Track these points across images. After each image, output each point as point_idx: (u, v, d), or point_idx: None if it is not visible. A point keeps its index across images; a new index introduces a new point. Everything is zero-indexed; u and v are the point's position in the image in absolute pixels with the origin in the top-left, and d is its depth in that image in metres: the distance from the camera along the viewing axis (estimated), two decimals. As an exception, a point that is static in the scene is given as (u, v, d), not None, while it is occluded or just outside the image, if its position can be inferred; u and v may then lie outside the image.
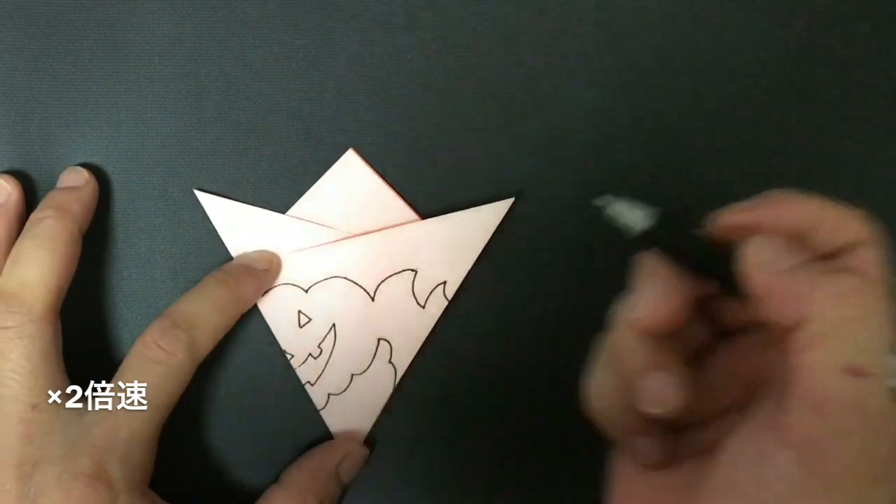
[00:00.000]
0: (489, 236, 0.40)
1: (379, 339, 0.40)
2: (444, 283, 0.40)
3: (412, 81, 0.40)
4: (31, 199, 0.39)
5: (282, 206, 0.40)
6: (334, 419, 0.40)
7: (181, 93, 0.39)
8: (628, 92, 0.40)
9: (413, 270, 0.40)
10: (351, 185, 0.40)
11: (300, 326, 0.40)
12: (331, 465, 0.39)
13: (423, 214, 0.40)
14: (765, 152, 0.40)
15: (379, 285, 0.40)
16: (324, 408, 0.40)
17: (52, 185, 0.38)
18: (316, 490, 0.38)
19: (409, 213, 0.40)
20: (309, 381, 0.40)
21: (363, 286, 0.40)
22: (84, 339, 0.39)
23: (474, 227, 0.40)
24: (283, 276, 0.40)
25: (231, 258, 0.39)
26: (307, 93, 0.39)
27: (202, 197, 0.39)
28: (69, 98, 0.39)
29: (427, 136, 0.40)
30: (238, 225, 0.39)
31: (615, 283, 0.29)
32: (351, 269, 0.40)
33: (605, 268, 0.39)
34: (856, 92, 0.40)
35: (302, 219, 0.40)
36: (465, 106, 0.40)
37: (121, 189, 0.39)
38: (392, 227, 0.40)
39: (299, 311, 0.40)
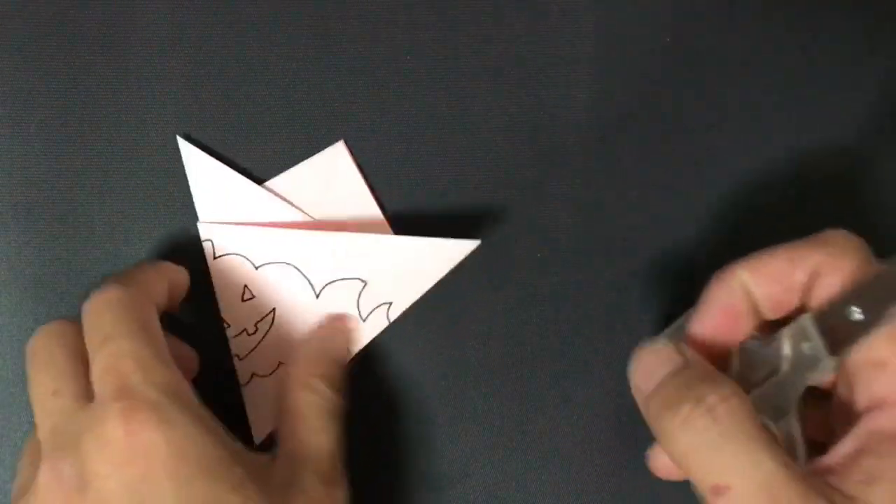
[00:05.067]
0: (446, 271, 0.37)
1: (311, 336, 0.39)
2: (390, 304, 0.38)
3: (412, 82, 0.39)
4: (30, 199, 0.39)
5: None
6: (253, 399, 0.40)
7: (181, 93, 0.38)
8: (630, 91, 0.39)
9: (363, 281, 0.38)
10: (332, 176, 0.38)
11: (243, 300, 0.39)
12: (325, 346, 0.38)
13: (394, 220, 0.38)
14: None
15: (326, 285, 0.38)
16: (246, 384, 0.40)
17: (51, 185, 0.39)
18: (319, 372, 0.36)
19: (379, 219, 0.38)
20: (238, 355, 0.40)
21: (311, 281, 0.38)
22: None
23: (434, 258, 0.37)
24: (240, 246, 0.39)
25: (195, 216, 0.39)
26: (308, 93, 0.39)
27: (184, 146, 0.39)
28: (69, 98, 0.39)
29: (419, 138, 0.39)
30: (212, 183, 0.39)
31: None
32: (304, 261, 0.38)
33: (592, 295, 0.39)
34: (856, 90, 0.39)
35: (275, 193, 0.38)
36: (465, 109, 0.39)
37: (120, 189, 0.39)
38: (355, 231, 0.38)
39: (245, 286, 0.39)
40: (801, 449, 0.28)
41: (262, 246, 0.39)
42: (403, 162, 0.39)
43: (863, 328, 0.26)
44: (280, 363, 0.39)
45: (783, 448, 0.27)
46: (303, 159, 0.39)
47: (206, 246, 0.39)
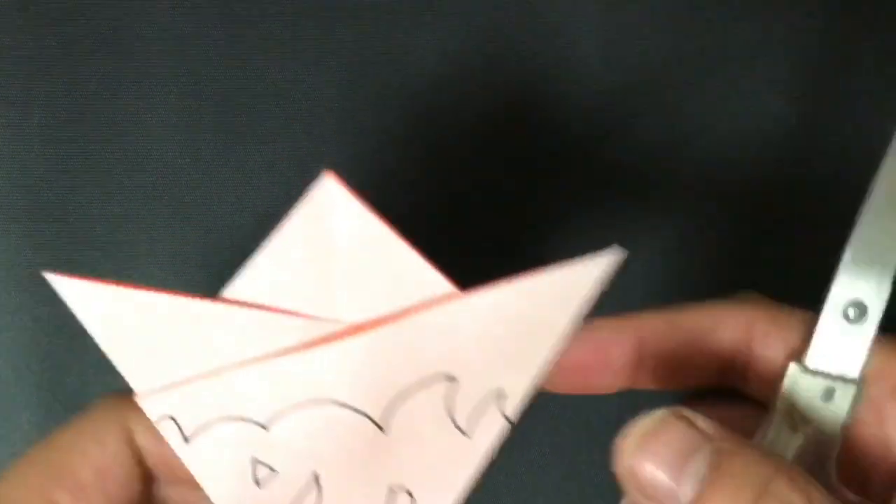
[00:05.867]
0: (576, 313, 0.23)
1: (392, 491, 0.24)
2: (499, 391, 0.23)
3: (415, 84, 0.38)
4: (30, 199, 0.38)
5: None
6: None
7: (181, 93, 0.38)
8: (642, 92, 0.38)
9: (449, 378, 0.23)
10: (334, 235, 0.22)
11: (257, 485, 0.23)
12: None
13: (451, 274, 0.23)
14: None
15: (392, 407, 0.23)
16: None
17: (51, 185, 0.38)
18: None
19: (439, 281, 0.23)
20: (272, 562, 0.24)
21: (366, 412, 0.23)
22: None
23: (552, 300, 0.23)
24: (223, 407, 0.22)
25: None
26: (308, 93, 0.38)
27: (67, 290, 0.21)
28: (69, 98, 0.38)
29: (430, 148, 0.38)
30: (132, 328, 0.21)
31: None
32: (344, 387, 0.23)
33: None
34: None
35: (247, 304, 0.22)
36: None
37: (120, 189, 0.38)
38: (410, 308, 0.22)
39: (255, 461, 0.23)
40: None
41: (263, 391, 0.22)
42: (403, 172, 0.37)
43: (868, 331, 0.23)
44: (353, 550, 0.24)
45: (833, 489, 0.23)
46: (303, 159, 0.35)
47: (166, 429, 0.22)
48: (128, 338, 0.21)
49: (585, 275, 0.23)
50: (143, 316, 0.21)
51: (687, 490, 0.21)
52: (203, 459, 0.23)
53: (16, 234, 0.38)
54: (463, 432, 0.24)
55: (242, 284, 0.22)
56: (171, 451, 0.24)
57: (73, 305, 0.21)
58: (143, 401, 0.22)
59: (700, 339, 0.26)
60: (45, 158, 0.38)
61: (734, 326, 0.26)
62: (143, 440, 0.25)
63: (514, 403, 0.24)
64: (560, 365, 0.24)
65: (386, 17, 0.38)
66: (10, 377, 0.38)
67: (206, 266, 0.37)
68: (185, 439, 0.22)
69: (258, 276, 0.22)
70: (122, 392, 0.25)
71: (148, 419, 0.24)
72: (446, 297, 0.22)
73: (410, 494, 0.24)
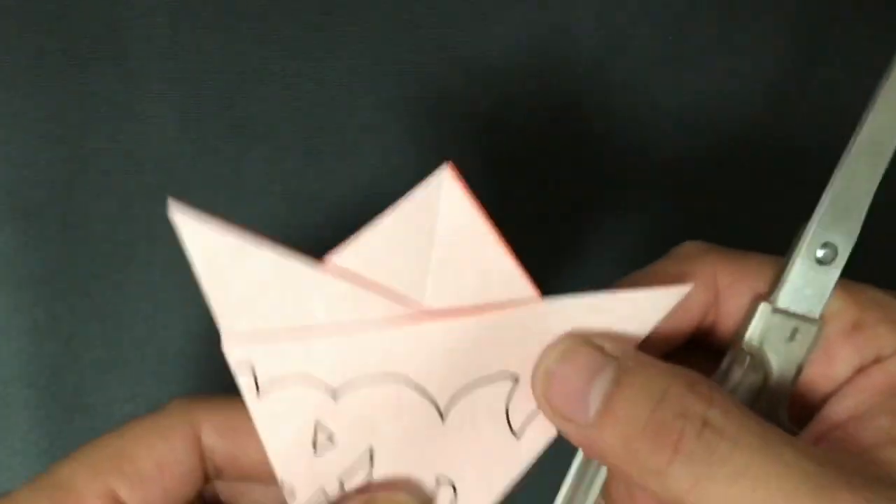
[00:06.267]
0: (642, 335, 0.24)
1: (438, 481, 0.25)
2: (559, 403, 0.25)
3: (418, 83, 0.38)
4: (30, 199, 0.38)
5: (288, 212, 0.38)
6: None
7: (181, 93, 0.38)
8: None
9: (513, 378, 0.24)
10: (440, 226, 0.23)
11: (314, 449, 0.24)
12: None
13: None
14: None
15: (456, 398, 0.24)
16: (331, 572, 0.25)
17: (51, 185, 0.38)
18: None
19: (524, 286, 0.24)
20: (313, 532, 0.24)
21: (432, 397, 0.24)
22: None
23: (626, 319, 0.24)
24: (304, 368, 0.23)
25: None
26: (309, 93, 0.38)
27: (183, 223, 0.22)
28: (69, 98, 0.38)
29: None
30: (238, 277, 0.22)
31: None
32: (417, 370, 0.24)
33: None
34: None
35: (346, 274, 0.23)
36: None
37: (120, 189, 0.38)
38: (492, 305, 0.24)
39: (317, 426, 0.24)
40: None
41: (340, 359, 0.23)
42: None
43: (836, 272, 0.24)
44: (388, 530, 0.25)
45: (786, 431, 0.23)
46: (305, 160, 0.35)
47: (244, 377, 0.23)
48: (227, 280, 0.22)
49: (659, 302, 0.24)
50: (248, 262, 0.22)
51: (594, 404, 0.23)
52: (270, 413, 0.23)
53: (15, 235, 0.38)
54: (514, 434, 0.25)
55: (346, 254, 0.23)
56: (237, 449, 0.24)
57: (184, 236, 0.21)
58: (227, 343, 0.23)
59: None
60: (45, 158, 0.38)
61: (700, 285, 0.26)
62: (209, 439, 0.25)
63: (568, 415, 0.25)
64: None
65: (390, 15, 0.38)
66: (9, 377, 0.38)
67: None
68: (258, 390, 0.23)
69: (362, 250, 0.23)
70: (193, 395, 0.25)
71: (216, 418, 0.25)
72: (528, 301, 0.24)
73: (454, 487, 0.25)
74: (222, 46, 0.38)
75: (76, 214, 0.38)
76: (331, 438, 0.24)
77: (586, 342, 0.24)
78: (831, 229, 0.24)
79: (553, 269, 0.38)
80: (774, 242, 0.26)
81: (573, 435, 0.24)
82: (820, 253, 0.24)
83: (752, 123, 0.39)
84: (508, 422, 0.25)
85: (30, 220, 0.38)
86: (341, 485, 0.24)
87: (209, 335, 0.33)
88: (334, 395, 0.23)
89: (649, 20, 0.39)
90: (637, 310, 0.24)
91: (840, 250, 0.24)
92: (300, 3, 0.38)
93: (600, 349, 0.23)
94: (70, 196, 0.38)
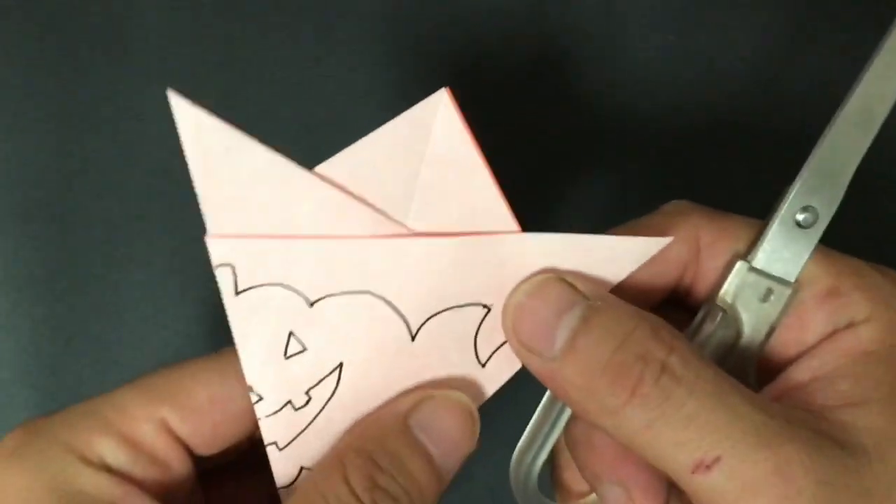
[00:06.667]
0: (617, 280, 0.25)
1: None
2: (526, 336, 0.25)
3: (415, 81, 0.38)
4: (30, 199, 0.38)
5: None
6: (301, 507, 0.25)
7: (181, 93, 0.34)
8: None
9: (485, 307, 0.25)
10: (420, 148, 0.24)
11: (286, 357, 0.24)
12: (390, 416, 0.24)
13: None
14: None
15: (428, 320, 0.25)
16: (289, 485, 0.25)
17: (51, 185, 0.38)
18: (360, 446, 0.24)
19: (506, 218, 0.24)
20: (276, 443, 0.25)
21: (404, 316, 0.24)
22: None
23: (600, 263, 0.25)
24: (283, 270, 0.23)
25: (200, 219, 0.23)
26: (309, 92, 0.38)
27: (179, 106, 0.22)
28: (69, 98, 0.38)
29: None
30: (229, 170, 0.22)
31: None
32: (392, 287, 0.24)
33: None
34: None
35: (334, 183, 0.23)
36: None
37: (120, 189, 0.38)
38: (472, 231, 0.24)
39: (291, 334, 0.24)
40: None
41: (319, 268, 0.24)
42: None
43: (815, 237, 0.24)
44: (347, 446, 0.25)
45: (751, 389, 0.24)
46: (306, 160, 0.26)
47: (223, 275, 0.23)
48: (218, 172, 0.22)
49: (637, 250, 0.25)
50: (242, 156, 0.22)
51: (560, 340, 0.23)
52: (245, 315, 0.23)
53: (13, 234, 0.38)
54: (480, 362, 0.25)
55: (335, 164, 0.23)
56: None
57: (180, 122, 0.22)
58: (211, 241, 0.23)
59: (654, 260, 0.25)
60: (44, 158, 0.38)
61: (681, 241, 0.26)
62: None
63: (533, 349, 0.25)
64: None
65: (390, 14, 0.38)
66: (8, 377, 0.38)
67: (204, 265, 0.36)
68: (237, 290, 0.23)
69: (351, 161, 0.23)
70: None
71: None
72: (508, 232, 0.24)
73: (417, 408, 0.25)
74: (223, 46, 0.38)
75: (76, 214, 0.38)
76: (303, 347, 0.24)
77: (559, 279, 0.24)
78: (813, 193, 0.24)
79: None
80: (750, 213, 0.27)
81: (537, 368, 0.24)
82: (800, 216, 0.25)
83: (739, 93, 0.39)
84: (476, 350, 0.25)
85: (30, 220, 0.38)
86: (308, 398, 0.24)
87: (209, 335, 0.37)
88: (310, 304, 0.24)
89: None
90: (615, 255, 0.25)
91: (821, 215, 0.24)
92: (300, 3, 0.38)
93: (572, 287, 0.24)
94: (70, 196, 0.38)
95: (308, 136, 0.37)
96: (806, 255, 0.25)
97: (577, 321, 0.23)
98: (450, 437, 0.24)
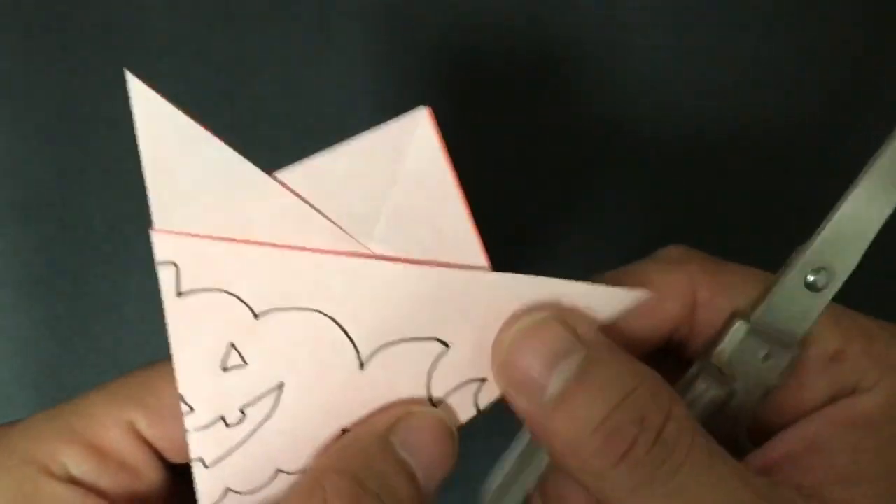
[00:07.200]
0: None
1: (345, 432, 0.23)
2: (483, 380, 0.24)
3: (413, 79, 0.38)
4: (30, 199, 0.38)
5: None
6: (224, 532, 0.23)
7: (181, 93, 0.34)
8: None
9: (443, 344, 0.23)
10: (402, 172, 0.22)
11: (223, 369, 0.23)
12: (370, 435, 0.23)
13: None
14: None
15: (380, 349, 0.23)
16: (212, 506, 0.23)
17: (51, 185, 0.38)
18: (342, 468, 0.22)
19: (476, 252, 0.23)
20: (202, 459, 0.23)
21: (355, 342, 0.23)
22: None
23: (573, 312, 0.23)
24: (228, 276, 0.22)
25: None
26: (308, 91, 0.38)
27: (136, 91, 0.21)
28: (68, 97, 0.38)
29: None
30: (184, 164, 0.21)
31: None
32: (345, 309, 0.23)
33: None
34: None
35: (294, 192, 0.22)
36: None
37: (120, 189, 0.38)
38: (439, 263, 0.23)
39: (232, 345, 0.22)
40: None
41: (268, 279, 0.22)
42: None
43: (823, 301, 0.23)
44: (278, 472, 0.23)
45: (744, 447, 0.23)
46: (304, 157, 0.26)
47: (165, 274, 0.22)
48: (172, 164, 0.21)
49: (613, 301, 0.23)
50: (198, 149, 0.21)
51: (554, 388, 0.22)
52: (185, 319, 0.22)
53: (13, 234, 0.38)
54: (432, 401, 0.24)
55: (298, 173, 0.22)
56: None
57: (136, 105, 0.20)
58: (156, 236, 0.22)
59: (644, 313, 0.24)
60: (45, 158, 0.38)
61: (675, 297, 0.25)
62: None
63: (490, 396, 0.24)
64: None
65: (389, 12, 0.37)
66: (7, 377, 0.38)
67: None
68: (179, 293, 0.22)
69: (316, 172, 0.22)
70: None
71: None
72: (477, 268, 0.23)
73: (358, 443, 0.23)
74: (223, 45, 0.38)
75: (76, 214, 0.38)
76: (243, 361, 0.23)
77: (559, 320, 0.22)
78: (829, 254, 0.23)
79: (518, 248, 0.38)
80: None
81: (523, 410, 0.23)
82: (812, 277, 0.23)
83: (740, 93, 0.38)
84: (429, 388, 0.23)
85: (30, 220, 0.38)
86: (242, 416, 0.23)
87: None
88: (255, 316, 0.22)
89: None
90: (590, 304, 0.23)
91: (835, 277, 0.23)
92: (300, 2, 0.38)
93: (572, 330, 0.22)
94: (70, 196, 0.38)
95: (309, 135, 0.37)
96: (813, 318, 0.23)
97: (574, 370, 0.22)
98: (432, 455, 0.23)
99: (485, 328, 0.23)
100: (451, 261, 0.23)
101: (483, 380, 0.23)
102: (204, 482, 0.23)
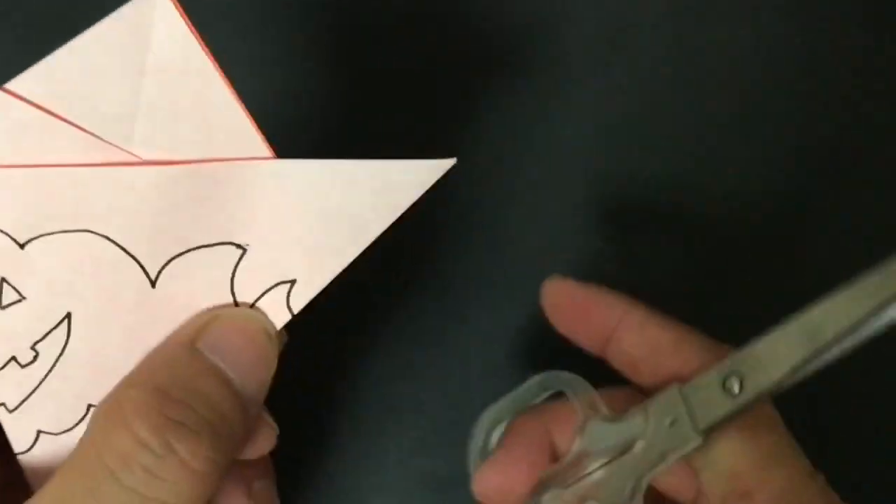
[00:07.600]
0: (395, 216, 0.21)
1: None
2: (293, 282, 0.21)
3: (412, 79, 0.36)
4: None
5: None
6: (41, 472, 0.22)
7: None
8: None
9: (240, 248, 0.21)
10: (150, 55, 0.20)
11: (0, 307, 0.21)
12: (175, 345, 0.21)
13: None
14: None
15: (169, 262, 0.21)
16: (28, 451, 0.22)
17: None
18: (142, 381, 0.20)
19: (255, 141, 0.20)
20: (3, 404, 0.21)
21: (139, 259, 0.21)
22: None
23: (378, 193, 0.21)
24: (-23, 208, 0.20)
25: None
26: (309, 89, 0.36)
27: None
28: None
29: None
30: None
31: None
32: (117, 224, 0.20)
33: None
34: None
35: (30, 101, 0.19)
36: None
37: None
38: (214, 158, 0.20)
39: (2, 280, 0.20)
40: None
41: (25, 203, 0.20)
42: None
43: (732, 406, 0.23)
44: (90, 407, 0.22)
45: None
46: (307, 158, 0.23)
47: None
48: None
49: (416, 176, 0.21)
50: None
51: None
52: (-60, 261, 0.20)
53: None
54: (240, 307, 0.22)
55: (27, 80, 0.19)
56: None
57: None
58: None
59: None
60: None
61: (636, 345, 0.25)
62: None
63: (303, 298, 0.22)
64: None
65: (388, 11, 0.36)
66: None
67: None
68: (-75, 232, 0.20)
69: (52, 75, 0.19)
70: None
71: None
72: (259, 158, 0.20)
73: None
74: (223, 46, 0.36)
75: None
76: (19, 296, 0.21)
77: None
78: (745, 369, 0.23)
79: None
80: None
81: None
82: (728, 381, 0.23)
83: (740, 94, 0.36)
84: (233, 296, 0.21)
85: None
86: (35, 353, 0.21)
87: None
88: (21, 246, 0.20)
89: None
90: (391, 184, 0.21)
91: (748, 390, 0.23)
92: (300, 2, 0.36)
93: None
94: None
95: (308, 135, 0.35)
96: (718, 419, 0.23)
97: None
98: (246, 357, 0.21)
99: (282, 224, 0.21)
100: (230, 156, 0.20)
101: (293, 281, 0.21)
102: (12, 428, 0.21)
